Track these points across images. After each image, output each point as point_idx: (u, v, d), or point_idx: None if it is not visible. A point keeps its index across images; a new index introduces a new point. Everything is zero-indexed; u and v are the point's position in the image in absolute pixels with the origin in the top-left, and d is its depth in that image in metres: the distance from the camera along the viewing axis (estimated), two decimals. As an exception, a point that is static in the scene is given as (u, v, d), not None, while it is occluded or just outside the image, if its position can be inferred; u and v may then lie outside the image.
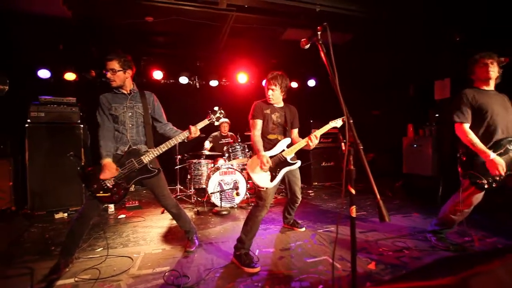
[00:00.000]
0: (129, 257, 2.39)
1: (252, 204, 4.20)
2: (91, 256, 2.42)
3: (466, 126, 2.18)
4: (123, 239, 2.87)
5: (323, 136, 2.52)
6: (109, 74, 2.10)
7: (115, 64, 2.09)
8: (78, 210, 2.28)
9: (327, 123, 2.57)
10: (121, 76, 2.13)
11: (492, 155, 2.03)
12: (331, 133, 5.95)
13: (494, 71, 2.20)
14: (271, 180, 2.26)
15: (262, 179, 2.25)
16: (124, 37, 4.61)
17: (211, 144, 5.06)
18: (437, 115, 4.51)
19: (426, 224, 2.80)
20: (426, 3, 3.68)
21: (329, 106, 6.14)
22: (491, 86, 2.27)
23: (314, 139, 2.30)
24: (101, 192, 2.05)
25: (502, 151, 2.12)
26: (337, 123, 2.55)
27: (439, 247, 2.40)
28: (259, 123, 2.41)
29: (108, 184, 2.07)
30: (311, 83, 6.60)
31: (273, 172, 2.28)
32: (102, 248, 2.58)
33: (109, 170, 2.03)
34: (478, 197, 2.22)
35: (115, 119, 2.18)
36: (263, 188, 2.22)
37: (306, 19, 3.89)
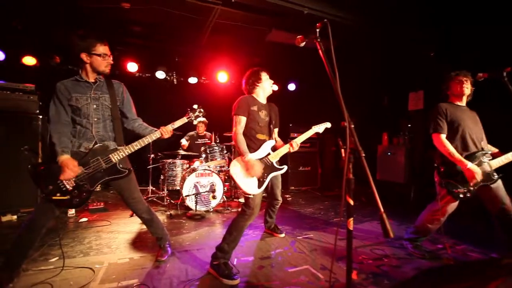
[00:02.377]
0: (90, 268, 2.11)
1: (229, 207, 4.05)
2: (43, 267, 2.09)
3: (443, 136, 2.28)
4: (83, 246, 2.55)
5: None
6: (111, 59, 1.97)
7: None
8: (29, 214, 1.94)
9: (307, 127, 2.52)
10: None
11: (470, 164, 2.15)
12: (309, 138, 6.03)
13: (468, 88, 2.36)
14: (259, 186, 2.08)
15: (249, 185, 2.05)
16: (96, 22, 4.21)
17: (188, 142, 4.82)
18: (409, 125, 4.72)
19: (401, 231, 2.84)
20: (406, 19, 3.82)
21: (308, 111, 6.14)
22: (463, 102, 2.42)
23: (296, 145, 2.33)
24: (58, 194, 1.73)
25: (476, 163, 2.22)
26: (320, 128, 2.54)
27: (416, 254, 2.44)
28: (243, 120, 2.22)
29: (68, 186, 1.77)
30: (291, 87, 6.60)
31: (260, 178, 2.11)
32: (57, 258, 2.26)
33: (70, 169, 1.73)
34: (453, 206, 2.30)
35: (76, 112, 1.89)
36: (250, 195, 2.04)
37: (293, 21, 3.83)
